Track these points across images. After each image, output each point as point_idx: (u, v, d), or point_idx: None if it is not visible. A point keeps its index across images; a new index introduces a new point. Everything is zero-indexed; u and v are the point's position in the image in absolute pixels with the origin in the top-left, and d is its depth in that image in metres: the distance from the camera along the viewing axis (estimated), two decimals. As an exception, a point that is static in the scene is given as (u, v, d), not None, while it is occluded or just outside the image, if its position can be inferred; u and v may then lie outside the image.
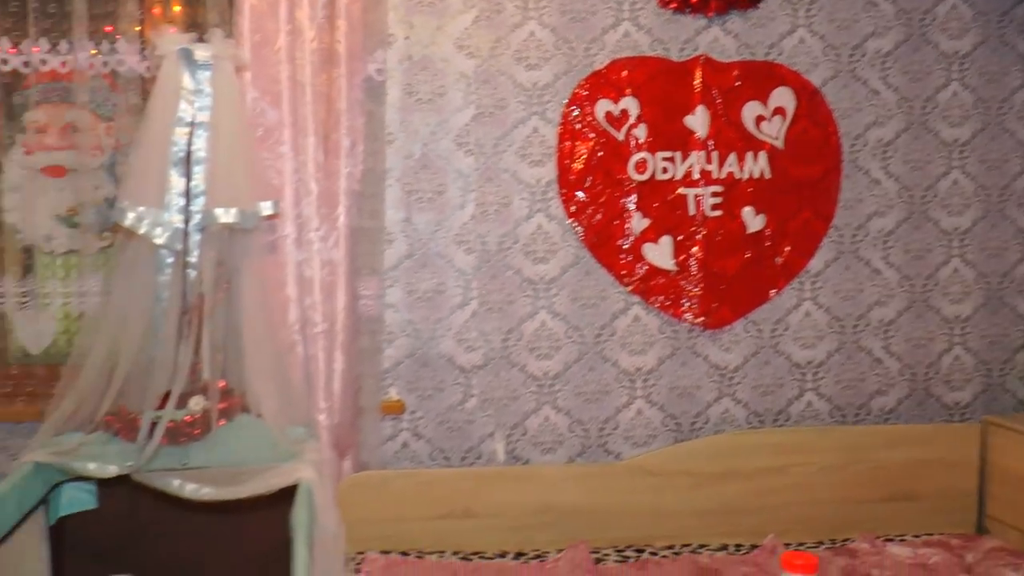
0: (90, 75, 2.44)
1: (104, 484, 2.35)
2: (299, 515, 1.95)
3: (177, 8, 2.52)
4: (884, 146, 2.79)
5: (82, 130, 2.49)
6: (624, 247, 2.68)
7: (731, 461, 2.68)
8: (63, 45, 2.45)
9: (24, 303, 2.55)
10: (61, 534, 2.37)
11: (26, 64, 2.45)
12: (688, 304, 2.72)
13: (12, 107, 2.52)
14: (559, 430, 2.71)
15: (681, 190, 2.69)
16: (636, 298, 2.72)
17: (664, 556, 2.52)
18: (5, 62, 2.45)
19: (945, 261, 2.86)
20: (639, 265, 2.70)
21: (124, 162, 2.51)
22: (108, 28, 2.48)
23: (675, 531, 2.63)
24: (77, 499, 2.40)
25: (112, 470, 2.18)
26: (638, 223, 2.68)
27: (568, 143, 2.64)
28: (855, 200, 2.79)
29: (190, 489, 2.15)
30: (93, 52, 2.45)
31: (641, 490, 2.62)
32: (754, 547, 2.55)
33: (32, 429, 2.51)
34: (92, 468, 2.18)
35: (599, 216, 2.67)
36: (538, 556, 2.50)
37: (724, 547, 2.58)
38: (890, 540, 2.60)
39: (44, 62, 2.45)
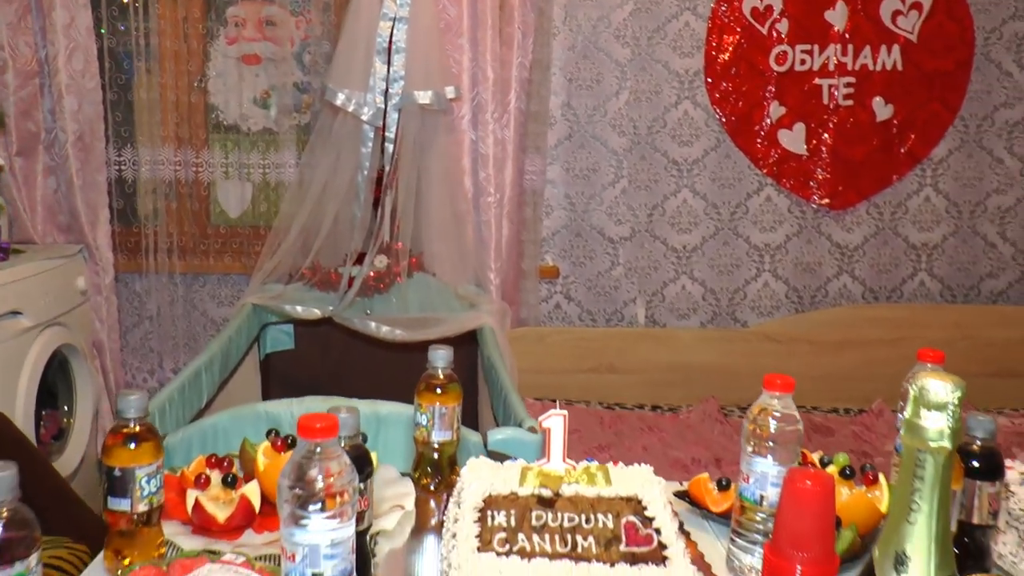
0: (285, -28, 2.75)
1: (300, 327, 2.76)
2: (490, 350, 2.31)
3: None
4: (1020, 39, 2.88)
5: (277, 24, 2.82)
6: (761, 133, 2.90)
7: (847, 332, 2.91)
8: (262, -57, 2.75)
9: (227, 174, 2.94)
10: (267, 369, 2.80)
11: (229, -38, 2.76)
12: (816, 186, 2.93)
13: (217, 3, 2.86)
14: (694, 298, 3.01)
15: (817, 80, 2.87)
16: (769, 180, 2.95)
17: (782, 414, 2.81)
18: (213, -40, 2.77)
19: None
20: (774, 150, 2.91)
21: (313, 52, 2.84)
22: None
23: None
24: (278, 340, 2.83)
25: (317, 313, 2.57)
26: (775, 111, 2.89)
27: (715, 36, 2.84)
28: (984, 92, 2.90)
29: (385, 331, 2.52)
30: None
31: (765, 355, 2.89)
32: (862, 411, 2.80)
33: (237, 281, 2.96)
34: (300, 311, 2.58)
35: (740, 104, 2.88)
36: (671, 409, 2.82)
37: (835, 409, 2.85)
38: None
39: (246, -40, 2.76)
